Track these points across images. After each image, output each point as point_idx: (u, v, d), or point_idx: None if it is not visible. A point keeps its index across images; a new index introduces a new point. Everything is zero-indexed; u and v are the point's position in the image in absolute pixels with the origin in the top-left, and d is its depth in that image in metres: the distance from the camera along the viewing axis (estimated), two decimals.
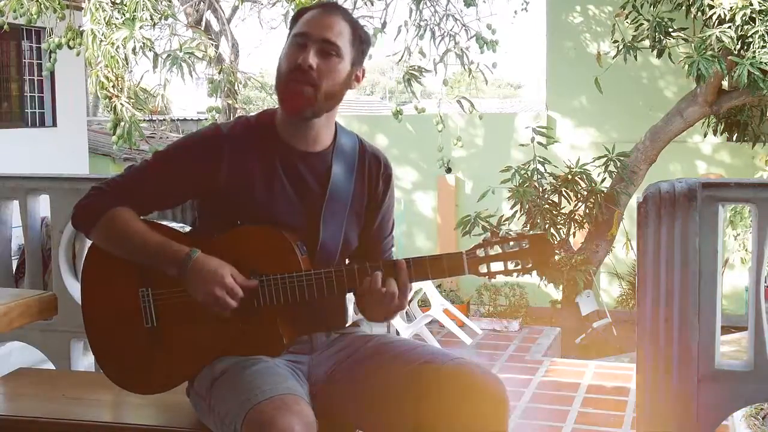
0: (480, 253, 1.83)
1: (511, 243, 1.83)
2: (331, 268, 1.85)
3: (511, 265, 1.83)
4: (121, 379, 2.00)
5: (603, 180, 8.58)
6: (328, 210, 1.93)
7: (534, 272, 1.88)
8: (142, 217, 1.96)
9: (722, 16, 7.05)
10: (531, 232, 1.91)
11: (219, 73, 7.27)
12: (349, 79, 1.91)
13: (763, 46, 6.95)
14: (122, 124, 6.47)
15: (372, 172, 2.01)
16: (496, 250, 1.83)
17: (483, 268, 1.83)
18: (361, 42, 1.93)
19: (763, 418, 4.21)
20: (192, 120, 14.32)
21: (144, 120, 6.85)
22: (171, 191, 1.97)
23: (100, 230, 1.93)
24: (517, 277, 1.88)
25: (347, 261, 2.02)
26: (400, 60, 7.57)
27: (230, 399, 1.75)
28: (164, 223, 2.04)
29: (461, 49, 7.56)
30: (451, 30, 7.59)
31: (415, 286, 1.87)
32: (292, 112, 1.88)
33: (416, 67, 7.45)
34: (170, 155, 1.97)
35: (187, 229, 2.07)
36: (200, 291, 1.81)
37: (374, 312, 1.88)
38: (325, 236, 1.92)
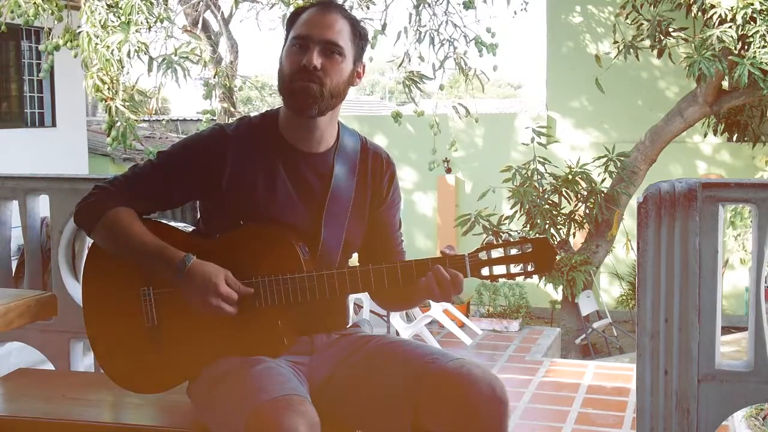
0: (482, 256, 1.83)
1: (514, 246, 1.83)
2: (333, 269, 1.85)
3: (513, 269, 1.83)
4: (121, 379, 2.00)
5: (603, 180, 8.57)
6: (330, 210, 1.93)
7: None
8: (144, 217, 1.96)
9: (723, 16, 7.05)
10: (534, 236, 1.90)
11: (214, 76, 7.26)
12: (351, 76, 1.93)
13: (764, 46, 6.95)
14: (117, 126, 6.47)
15: (375, 170, 2.01)
16: (499, 253, 1.83)
17: (485, 271, 1.83)
18: (361, 38, 1.94)
19: (763, 419, 4.21)
20: (191, 120, 14.29)
21: (142, 120, 6.84)
22: (174, 191, 1.97)
23: (100, 230, 1.93)
24: (521, 280, 1.88)
25: (359, 262, 2.01)
26: (400, 65, 7.58)
27: (234, 399, 1.74)
28: (165, 222, 2.04)
29: (460, 56, 7.56)
30: (450, 36, 7.59)
31: None
32: (299, 110, 1.88)
33: (416, 73, 7.45)
34: (174, 155, 1.97)
35: (190, 229, 2.06)
36: (195, 299, 1.82)
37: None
38: (327, 236, 1.92)
